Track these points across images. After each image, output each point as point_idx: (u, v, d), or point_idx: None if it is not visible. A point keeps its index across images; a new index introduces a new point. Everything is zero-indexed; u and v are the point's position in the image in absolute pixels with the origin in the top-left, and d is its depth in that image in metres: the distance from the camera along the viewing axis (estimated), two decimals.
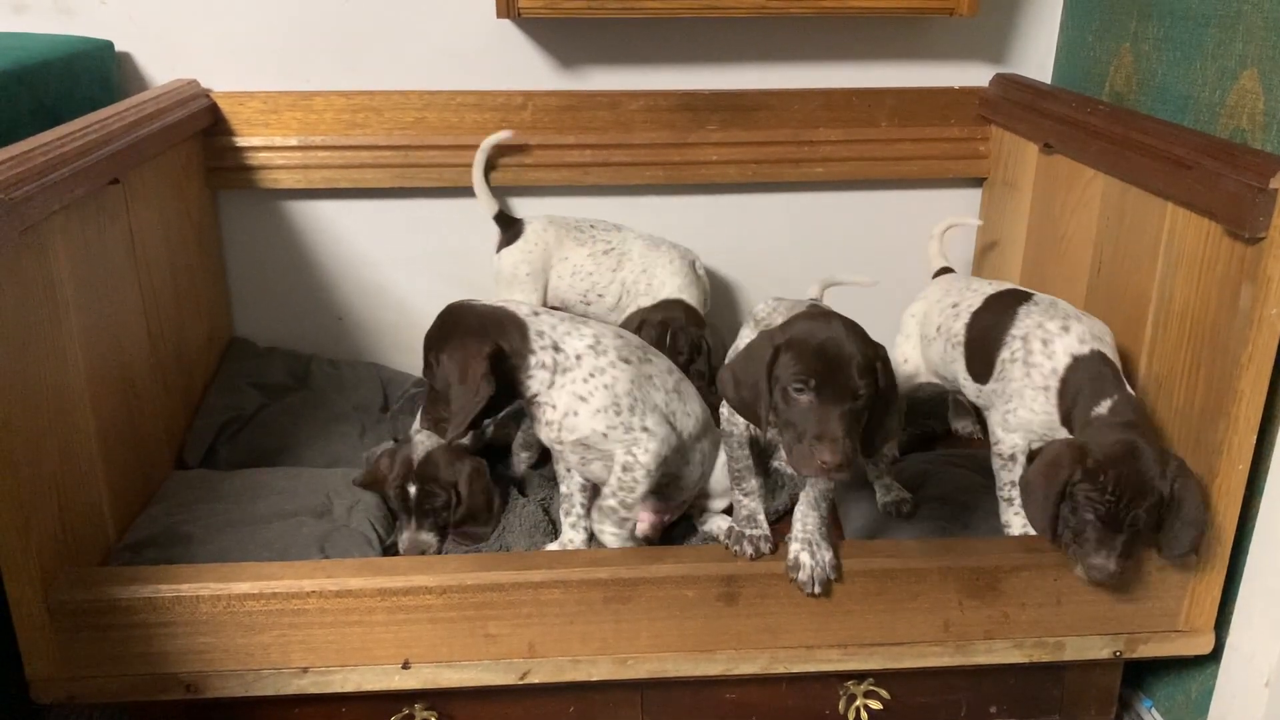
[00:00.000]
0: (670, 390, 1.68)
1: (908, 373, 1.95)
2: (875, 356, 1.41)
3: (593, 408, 1.58)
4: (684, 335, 2.02)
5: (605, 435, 1.59)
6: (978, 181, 2.37)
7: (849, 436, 1.36)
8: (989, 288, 1.83)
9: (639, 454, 1.60)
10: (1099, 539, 1.49)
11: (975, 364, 1.76)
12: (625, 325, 1.95)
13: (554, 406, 1.59)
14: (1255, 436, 1.54)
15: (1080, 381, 1.60)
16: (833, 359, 1.37)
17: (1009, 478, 1.70)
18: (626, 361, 1.61)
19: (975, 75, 2.31)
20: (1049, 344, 1.64)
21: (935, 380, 1.93)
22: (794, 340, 1.39)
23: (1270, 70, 1.57)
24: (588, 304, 2.20)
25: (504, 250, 2.20)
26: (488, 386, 1.53)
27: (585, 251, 2.18)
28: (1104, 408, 1.56)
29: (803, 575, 1.55)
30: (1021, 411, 1.66)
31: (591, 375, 1.58)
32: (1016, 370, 1.67)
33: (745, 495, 1.62)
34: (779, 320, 1.53)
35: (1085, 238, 1.93)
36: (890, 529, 1.78)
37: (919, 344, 1.93)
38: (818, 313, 1.46)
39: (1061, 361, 1.62)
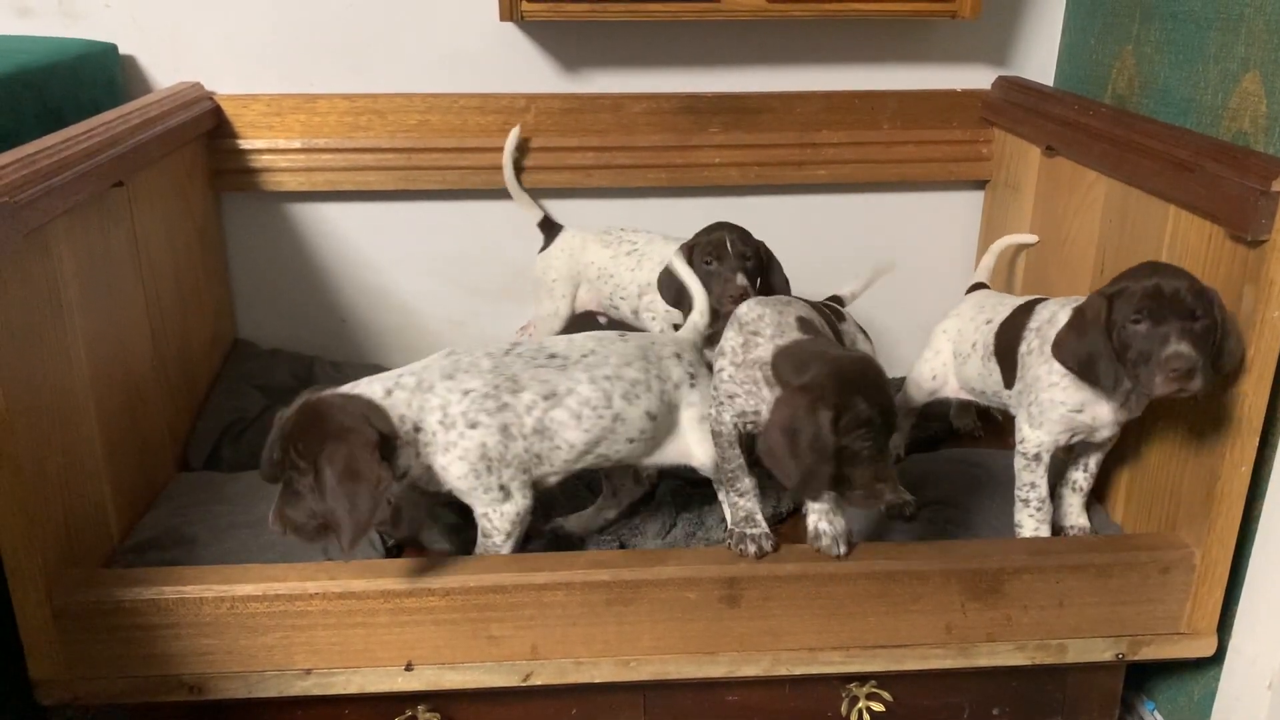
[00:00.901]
0: (530, 433, 1.59)
1: (933, 388, 1.96)
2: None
3: (454, 475, 1.57)
4: (744, 244, 1.93)
5: (469, 491, 1.58)
6: (980, 184, 2.38)
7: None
8: (1019, 300, 1.84)
9: (495, 519, 1.60)
10: (1164, 335, 1.46)
11: (1005, 369, 1.77)
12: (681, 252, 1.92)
13: (428, 467, 1.57)
14: (1258, 439, 1.54)
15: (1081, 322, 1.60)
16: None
17: (1029, 478, 1.69)
18: (474, 426, 1.55)
19: (977, 78, 2.32)
20: (1055, 318, 1.65)
21: (967, 396, 1.93)
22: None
23: (1272, 73, 1.57)
24: (615, 307, 2.17)
25: (538, 256, 2.21)
26: (388, 474, 1.44)
27: (609, 254, 2.16)
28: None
29: (825, 542, 1.58)
30: (1042, 394, 1.64)
31: (447, 449, 1.55)
32: (1034, 359, 1.67)
33: (740, 495, 1.62)
34: (766, 328, 1.55)
35: (1088, 240, 1.93)
36: (892, 531, 1.78)
37: (951, 360, 1.93)
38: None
39: (1063, 316, 1.62)
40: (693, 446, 1.70)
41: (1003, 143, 2.27)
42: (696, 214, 2.35)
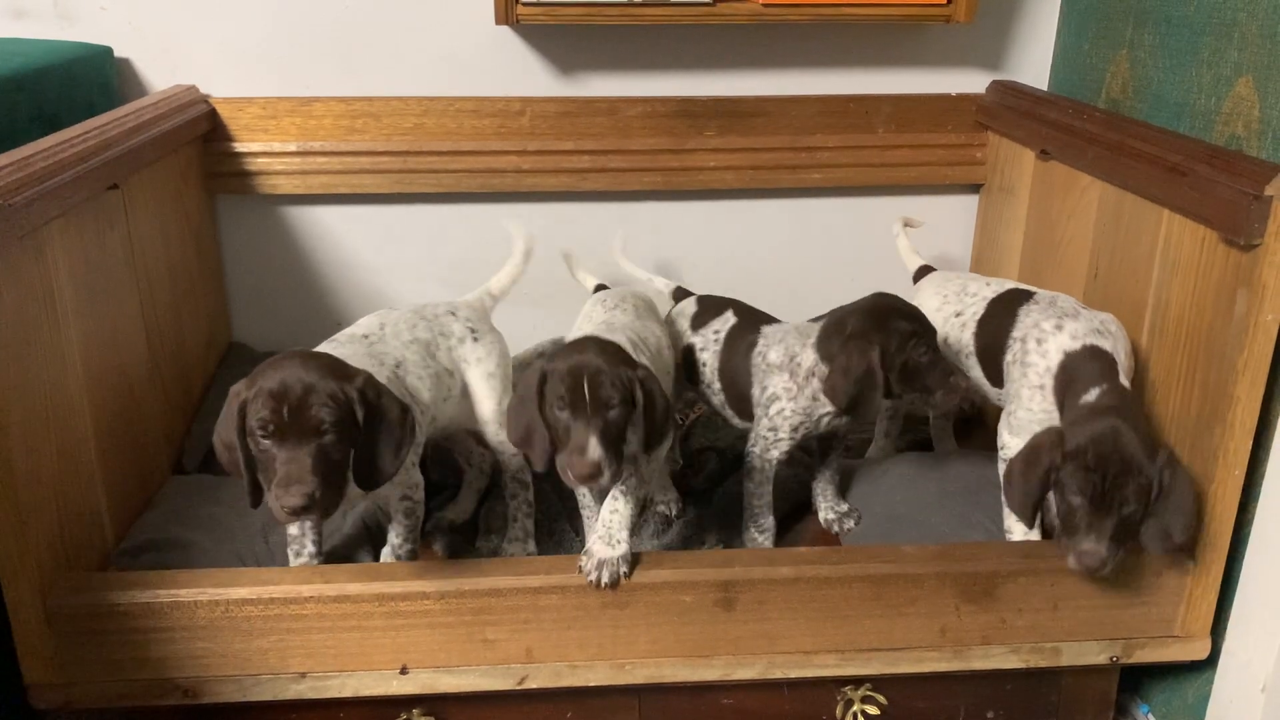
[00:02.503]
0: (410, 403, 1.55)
1: None
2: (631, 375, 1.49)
3: None
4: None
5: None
6: (974, 188, 2.38)
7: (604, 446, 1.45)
8: (988, 290, 1.83)
9: (418, 495, 1.62)
10: (1088, 523, 1.48)
11: (989, 371, 1.78)
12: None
13: None
14: (1251, 442, 1.55)
15: (1071, 376, 1.62)
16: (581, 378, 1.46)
17: None
18: None
19: (972, 82, 2.32)
20: (1043, 343, 1.66)
21: None
22: (555, 367, 1.48)
23: (1265, 78, 1.58)
24: None
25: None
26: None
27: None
28: (1091, 396, 1.57)
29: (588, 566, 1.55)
30: (1021, 413, 1.67)
31: None
32: (1015, 371, 1.69)
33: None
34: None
35: (1082, 244, 1.93)
36: (892, 536, 1.78)
37: None
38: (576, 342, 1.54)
39: (1054, 359, 1.64)
40: (481, 403, 1.74)
41: (997, 147, 2.27)
42: (691, 218, 2.36)
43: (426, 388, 1.63)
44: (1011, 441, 1.69)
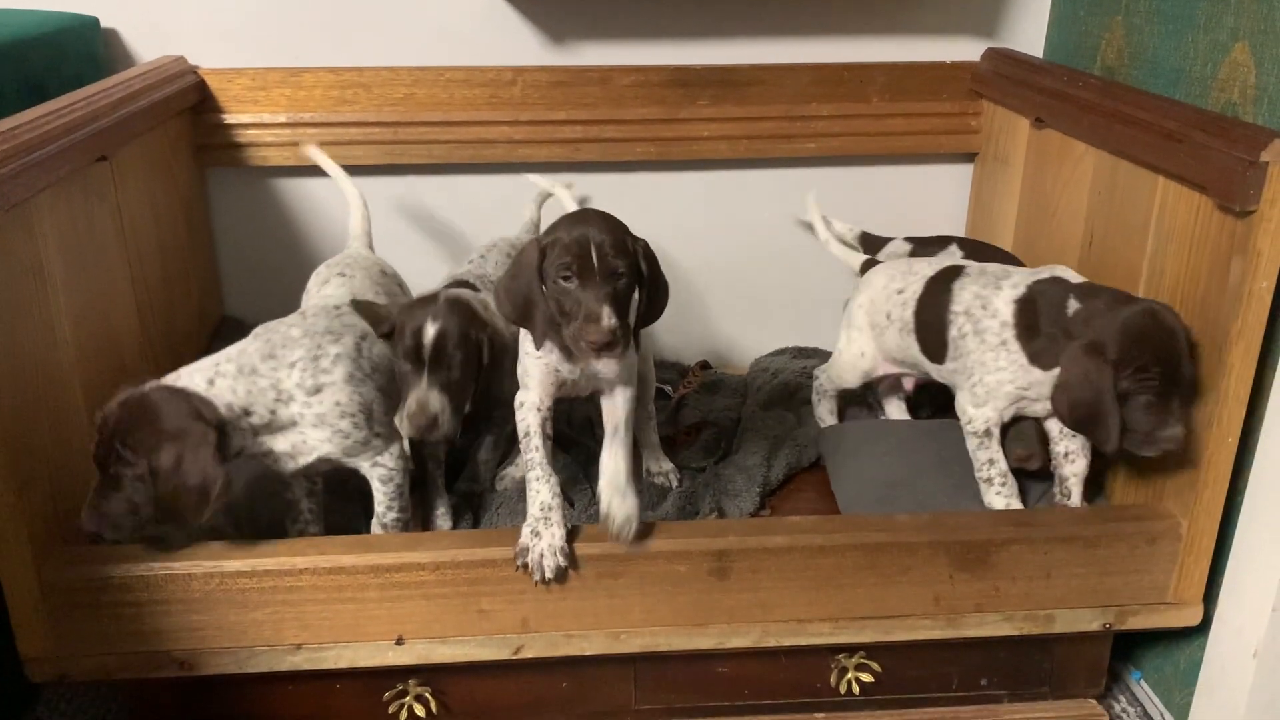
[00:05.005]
0: (371, 371, 1.62)
1: (865, 367, 1.94)
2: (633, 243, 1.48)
3: (321, 439, 1.57)
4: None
5: (350, 451, 1.59)
6: (969, 156, 2.37)
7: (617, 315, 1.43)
8: (928, 269, 1.85)
9: (390, 461, 1.63)
10: (1161, 412, 1.52)
11: (929, 347, 1.79)
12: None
13: (270, 450, 1.56)
14: (1244, 410, 1.55)
15: (1032, 309, 1.64)
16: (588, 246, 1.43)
17: (986, 456, 1.71)
18: (319, 390, 1.56)
19: (967, 50, 2.30)
20: (988, 305, 1.69)
21: (895, 369, 1.93)
22: (558, 238, 1.46)
23: (1261, 43, 1.57)
24: None
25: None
26: (218, 471, 1.45)
27: None
28: (1072, 308, 1.60)
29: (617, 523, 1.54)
30: (988, 379, 1.68)
31: (295, 423, 1.55)
32: (970, 343, 1.70)
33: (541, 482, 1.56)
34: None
35: (1076, 212, 1.93)
36: (887, 503, 1.78)
37: (870, 334, 1.92)
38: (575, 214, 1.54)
39: (1006, 311, 1.67)
40: None
41: (992, 115, 2.26)
42: (685, 188, 2.35)
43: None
44: (978, 413, 1.70)
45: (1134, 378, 1.52)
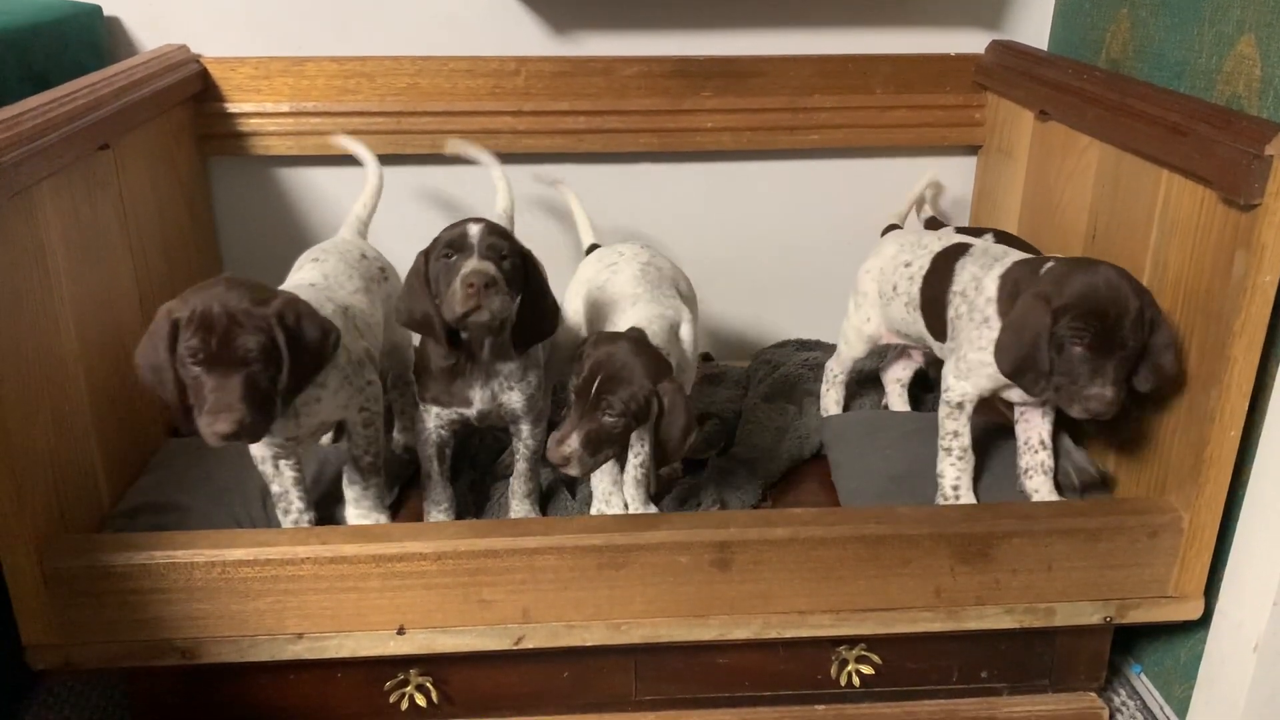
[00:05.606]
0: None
1: (871, 332, 1.96)
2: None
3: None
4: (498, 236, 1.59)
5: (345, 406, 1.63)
6: (973, 149, 2.37)
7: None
8: (936, 244, 1.85)
9: (374, 405, 1.66)
10: (1092, 369, 1.52)
11: (933, 325, 1.81)
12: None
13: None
14: (1247, 403, 1.55)
15: (1010, 285, 1.65)
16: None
17: (953, 426, 1.72)
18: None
19: (971, 42, 2.30)
20: (980, 285, 1.70)
21: (898, 340, 1.95)
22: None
23: (1267, 36, 1.56)
24: None
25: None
26: None
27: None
28: (1046, 268, 1.61)
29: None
30: (971, 354, 1.69)
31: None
32: (962, 323, 1.72)
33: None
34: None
35: (1080, 205, 1.92)
36: (888, 496, 1.78)
37: (877, 302, 1.93)
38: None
39: (991, 287, 1.67)
40: None
41: (996, 107, 2.26)
42: (688, 179, 2.35)
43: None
44: (957, 385, 1.71)
45: (1069, 325, 1.52)
